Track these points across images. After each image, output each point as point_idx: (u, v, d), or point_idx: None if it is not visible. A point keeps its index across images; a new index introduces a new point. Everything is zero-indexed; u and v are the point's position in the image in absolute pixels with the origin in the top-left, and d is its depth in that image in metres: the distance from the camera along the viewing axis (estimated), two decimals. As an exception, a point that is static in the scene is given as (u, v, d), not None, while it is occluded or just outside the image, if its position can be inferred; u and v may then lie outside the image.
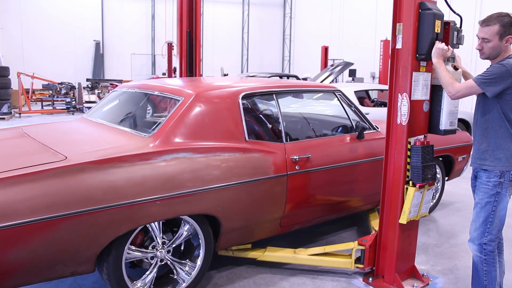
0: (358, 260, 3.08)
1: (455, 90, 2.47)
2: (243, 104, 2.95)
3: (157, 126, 2.73)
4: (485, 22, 2.42)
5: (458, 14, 2.72)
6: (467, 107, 10.49)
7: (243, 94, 2.98)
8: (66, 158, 2.30)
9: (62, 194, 2.13)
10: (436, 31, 2.61)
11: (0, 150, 2.67)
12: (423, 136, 2.77)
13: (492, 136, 2.48)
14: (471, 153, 2.68)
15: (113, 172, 2.29)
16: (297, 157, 3.02)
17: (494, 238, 2.52)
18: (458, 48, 2.77)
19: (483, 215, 2.51)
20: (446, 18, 2.67)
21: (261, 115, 3.55)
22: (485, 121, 2.51)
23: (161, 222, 2.56)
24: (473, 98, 2.59)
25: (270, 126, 3.40)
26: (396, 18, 2.73)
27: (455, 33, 2.72)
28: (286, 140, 3.08)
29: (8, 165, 2.20)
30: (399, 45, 2.72)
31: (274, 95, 3.20)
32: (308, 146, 3.17)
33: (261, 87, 3.17)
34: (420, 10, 2.62)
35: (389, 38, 2.84)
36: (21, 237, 2.03)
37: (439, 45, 2.58)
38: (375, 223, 3.59)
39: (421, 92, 2.72)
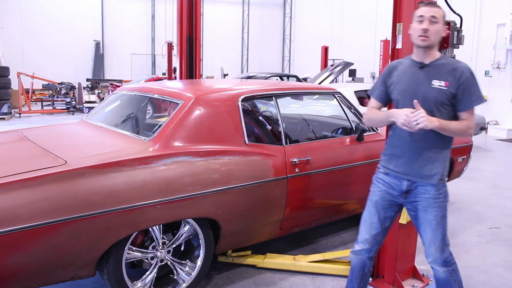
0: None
1: (473, 130, 2.22)
2: (242, 107, 2.94)
3: (156, 129, 2.73)
4: (431, 3, 2.16)
5: (458, 14, 2.71)
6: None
7: (242, 97, 2.97)
8: (66, 162, 2.30)
9: (62, 198, 2.12)
10: (436, 31, 2.59)
11: (0, 154, 2.67)
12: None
13: (433, 145, 2.22)
14: (400, 161, 2.30)
15: (113, 176, 2.29)
16: (297, 159, 3.02)
17: (449, 244, 2.35)
18: (458, 48, 2.76)
19: (440, 231, 2.29)
20: (446, 18, 2.66)
21: (260, 118, 3.54)
22: (425, 131, 2.16)
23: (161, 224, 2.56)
24: None
25: (269, 128, 3.40)
26: (396, 18, 2.73)
27: (455, 33, 2.71)
28: (286, 143, 3.08)
29: (9, 170, 2.20)
30: (399, 45, 2.71)
31: (273, 98, 3.19)
32: (307, 148, 3.17)
33: (260, 90, 3.16)
34: (420, 10, 2.61)
35: (389, 38, 2.83)
36: (22, 242, 2.03)
37: (408, 114, 2.08)
38: None
39: (421, 93, 2.71)
